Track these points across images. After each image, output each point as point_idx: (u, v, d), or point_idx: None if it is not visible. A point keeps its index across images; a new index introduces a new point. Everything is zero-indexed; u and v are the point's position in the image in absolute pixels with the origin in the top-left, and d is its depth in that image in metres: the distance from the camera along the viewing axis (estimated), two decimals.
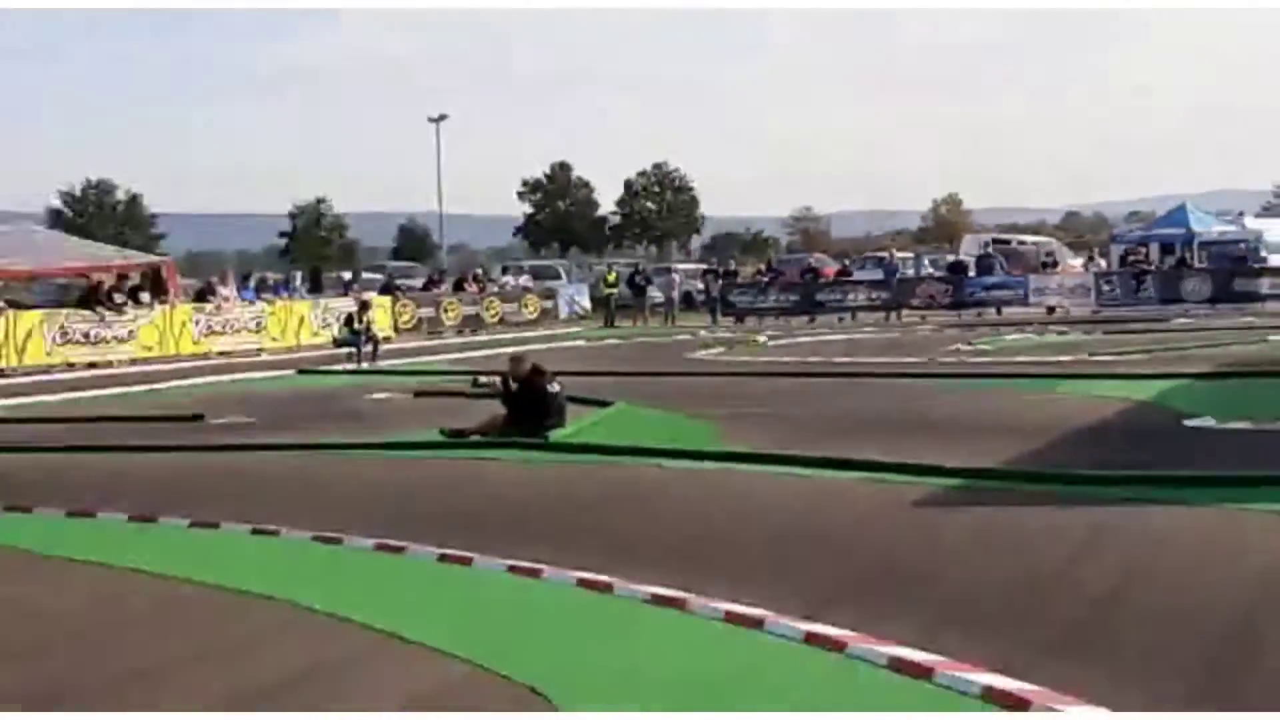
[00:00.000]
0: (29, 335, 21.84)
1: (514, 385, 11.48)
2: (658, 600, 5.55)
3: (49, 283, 26.89)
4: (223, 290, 27.16)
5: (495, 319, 32.29)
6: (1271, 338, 21.07)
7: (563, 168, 73.31)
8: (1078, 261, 37.14)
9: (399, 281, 35.46)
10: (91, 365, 22.41)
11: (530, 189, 71.83)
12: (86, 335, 22.87)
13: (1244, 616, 5.23)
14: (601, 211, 73.71)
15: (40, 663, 5.07)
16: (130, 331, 23.64)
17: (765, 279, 35.86)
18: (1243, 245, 33.69)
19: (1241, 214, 41.55)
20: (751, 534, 7.29)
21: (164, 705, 4.39)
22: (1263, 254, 32.76)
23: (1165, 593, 5.69)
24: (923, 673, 4.33)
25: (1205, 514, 7.28)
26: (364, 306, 22.64)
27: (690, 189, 73.82)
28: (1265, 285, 29.92)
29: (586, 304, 37.28)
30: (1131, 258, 34.42)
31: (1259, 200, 60.24)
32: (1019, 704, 3.98)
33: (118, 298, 23.98)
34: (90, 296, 23.69)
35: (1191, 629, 5.05)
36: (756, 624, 5.11)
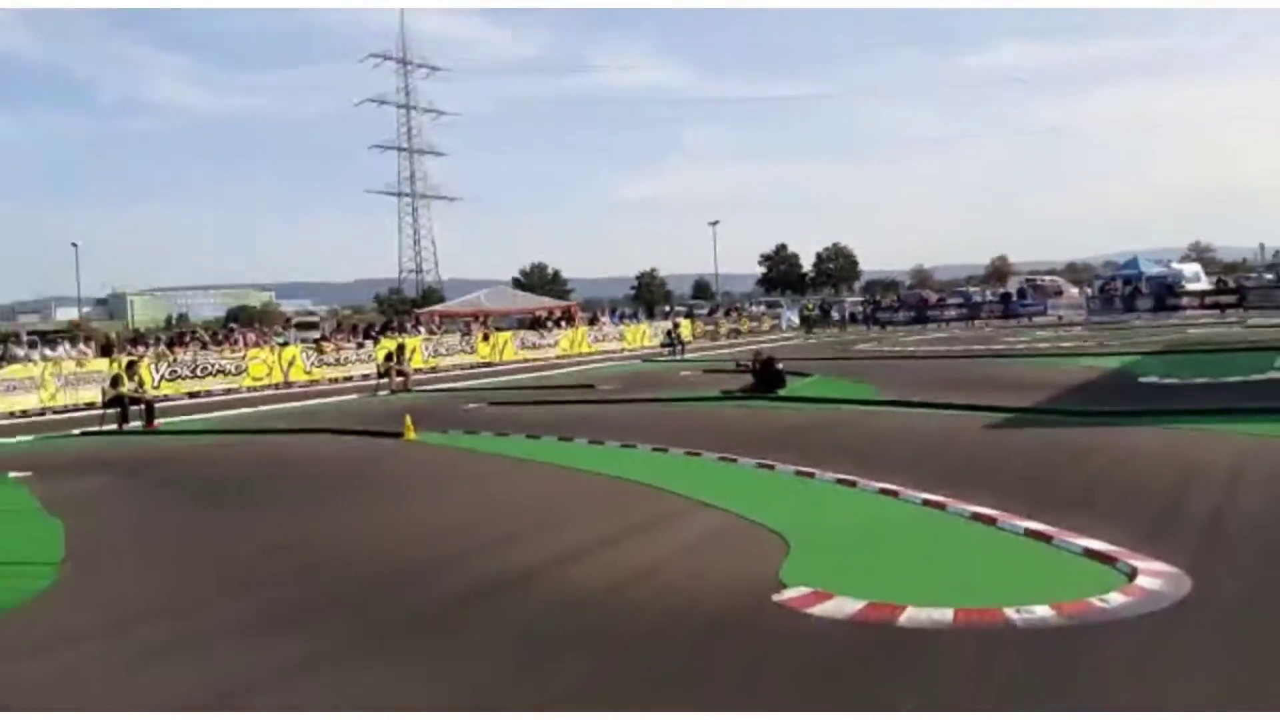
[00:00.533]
0: (505, 345, 37.91)
1: (757, 366, 19.39)
2: (841, 482, 9.34)
3: (513, 318, 46.25)
4: (602, 319, 47.92)
5: (746, 330, 53.57)
6: (1189, 330, 33.74)
7: (781, 247, 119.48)
8: (1075, 290, 59.20)
9: (694, 311, 59.35)
10: (535, 360, 37.13)
11: (765, 259, 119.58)
12: (534, 344, 39.19)
13: (1179, 485, 8.62)
14: (804, 269, 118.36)
15: (526, 514, 9.09)
16: (554, 342, 40.29)
17: (897, 305, 60.01)
18: (1169, 279, 53.96)
19: (1169, 262, 63.39)
20: (895, 445, 11.71)
21: (567, 538, 7.85)
22: (1182, 284, 52.76)
23: (1131, 473, 9.34)
24: (990, 520, 7.61)
25: (1153, 431, 11.71)
26: (676, 325, 41.48)
27: (854, 256, 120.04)
28: (1183, 301, 49.51)
29: (796, 321, 58.22)
30: (1107, 288, 55.60)
31: (1179, 252, 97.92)
32: (1042, 536, 7.05)
33: (549, 325, 42.21)
34: (534, 324, 42.36)
35: (1145, 491, 8.40)
36: (894, 494, 8.71)
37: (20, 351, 26.37)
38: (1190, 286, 52.63)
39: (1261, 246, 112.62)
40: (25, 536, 9.03)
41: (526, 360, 36.78)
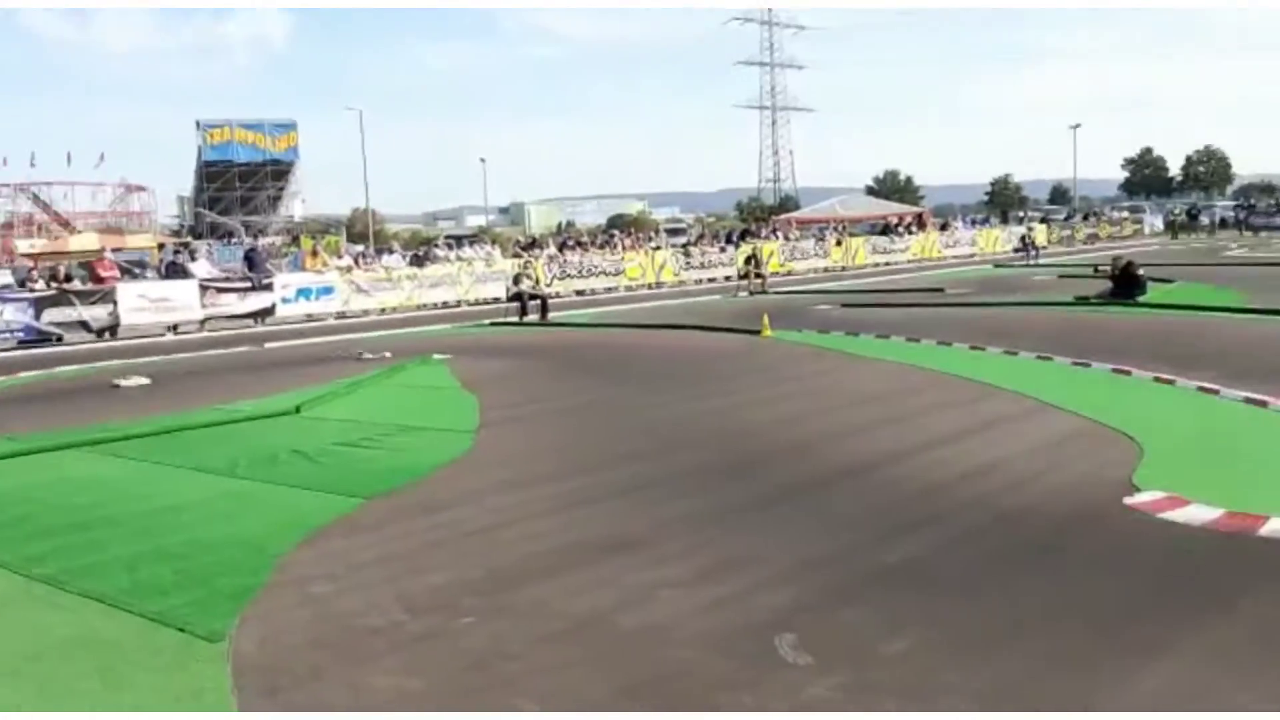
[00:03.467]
0: (857, 250, 36.15)
1: (1116, 271, 17.97)
2: (1202, 389, 8.70)
3: (865, 224, 43.97)
4: (954, 224, 44.32)
5: (1106, 236, 47.56)
6: None
7: (1146, 150, 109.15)
8: None
9: (1050, 217, 54.81)
10: (886, 264, 35.91)
11: (1128, 163, 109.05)
12: (884, 249, 37.09)
13: None
14: (1171, 173, 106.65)
15: (878, 407, 9.09)
16: (906, 247, 37.79)
17: (1275, 209, 52.28)
18: None
19: None
20: (1263, 355, 10.76)
21: (912, 432, 7.72)
22: None
23: None
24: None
25: None
26: (1030, 230, 39.23)
27: (1227, 159, 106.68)
28: None
29: (1160, 226, 53.20)
30: None
31: None
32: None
33: (900, 230, 39.78)
34: (885, 230, 39.97)
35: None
36: (1261, 404, 7.94)
37: (439, 252, 29.09)
38: None
39: None
40: (448, 408, 10.05)
41: (878, 265, 36.03)
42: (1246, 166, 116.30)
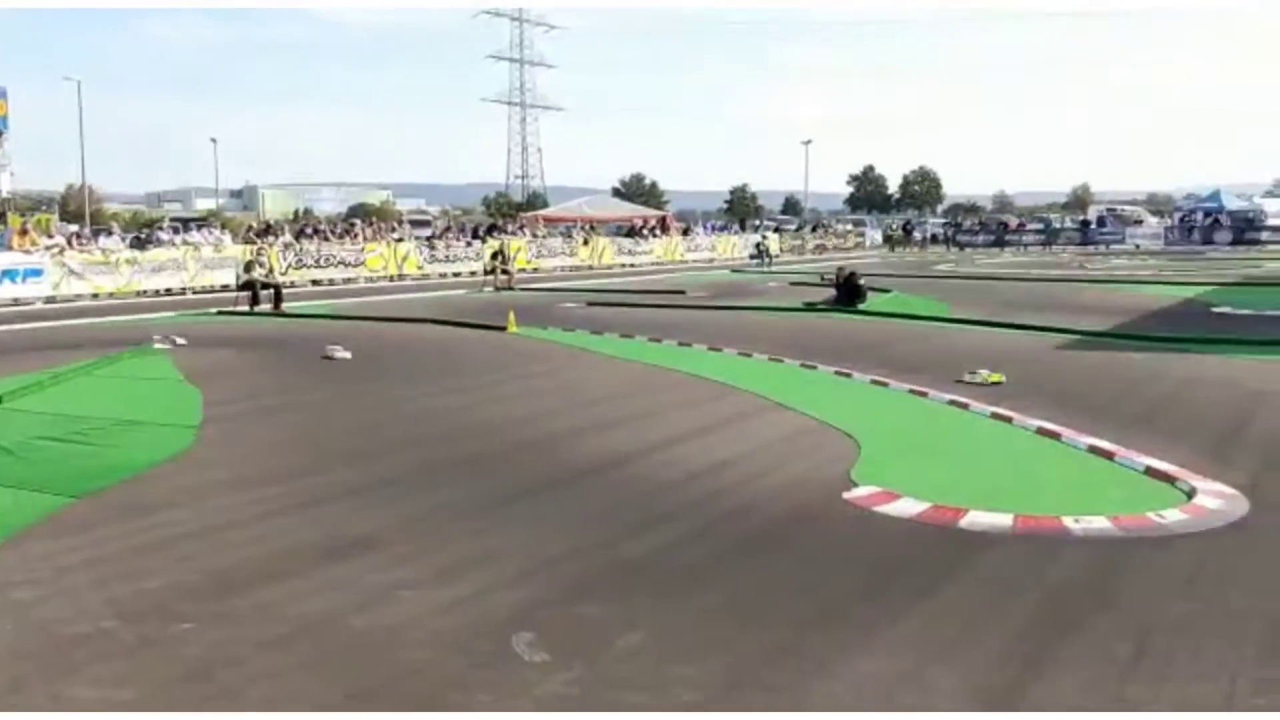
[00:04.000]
0: (603, 250, 37.42)
1: (840, 280, 18.92)
2: (913, 392, 9.33)
3: (611, 225, 45.38)
4: (695, 230, 47.59)
5: (831, 246, 52.14)
6: (1265, 264, 32.55)
7: (869, 168, 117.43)
8: (1155, 220, 58.44)
9: (783, 226, 60.12)
10: (630, 265, 37.11)
11: (853, 179, 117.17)
12: (630, 250, 38.66)
13: (1241, 412, 8.42)
14: (890, 191, 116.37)
15: (618, 406, 9.27)
16: (650, 249, 39.46)
17: (977, 228, 58.93)
18: (1250, 214, 52.59)
19: (1252, 197, 62.31)
20: (962, 358, 11.23)
21: (652, 430, 7.96)
22: (1263, 219, 51.44)
23: (1196, 398, 9.19)
24: (1053, 435, 7.50)
25: (1222, 360, 11.53)
26: (765, 238, 41.33)
27: (938, 180, 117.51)
28: (1263, 235, 48.81)
29: (879, 239, 58.06)
30: (1186, 219, 53.63)
31: (1263, 187, 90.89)
32: (1105, 453, 6.90)
33: (645, 233, 41.28)
34: (631, 231, 41.87)
35: (1209, 416, 8.23)
36: (963, 406, 8.64)
37: (164, 236, 27.23)
38: (1273, 221, 51.18)
39: None
40: (168, 401, 9.42)
41: (624, 266, 36.83)
42: (955, 187, 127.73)
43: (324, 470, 6.71)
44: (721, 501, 5.90)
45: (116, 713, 3.33)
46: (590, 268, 35.25)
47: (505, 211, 75.72)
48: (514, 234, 35.86)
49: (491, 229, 37.18)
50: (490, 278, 25.93)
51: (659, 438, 7.64)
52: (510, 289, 24.98)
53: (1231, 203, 55.19)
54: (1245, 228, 49.59)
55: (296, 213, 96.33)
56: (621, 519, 5.57)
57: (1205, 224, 51.39)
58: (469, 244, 32.64)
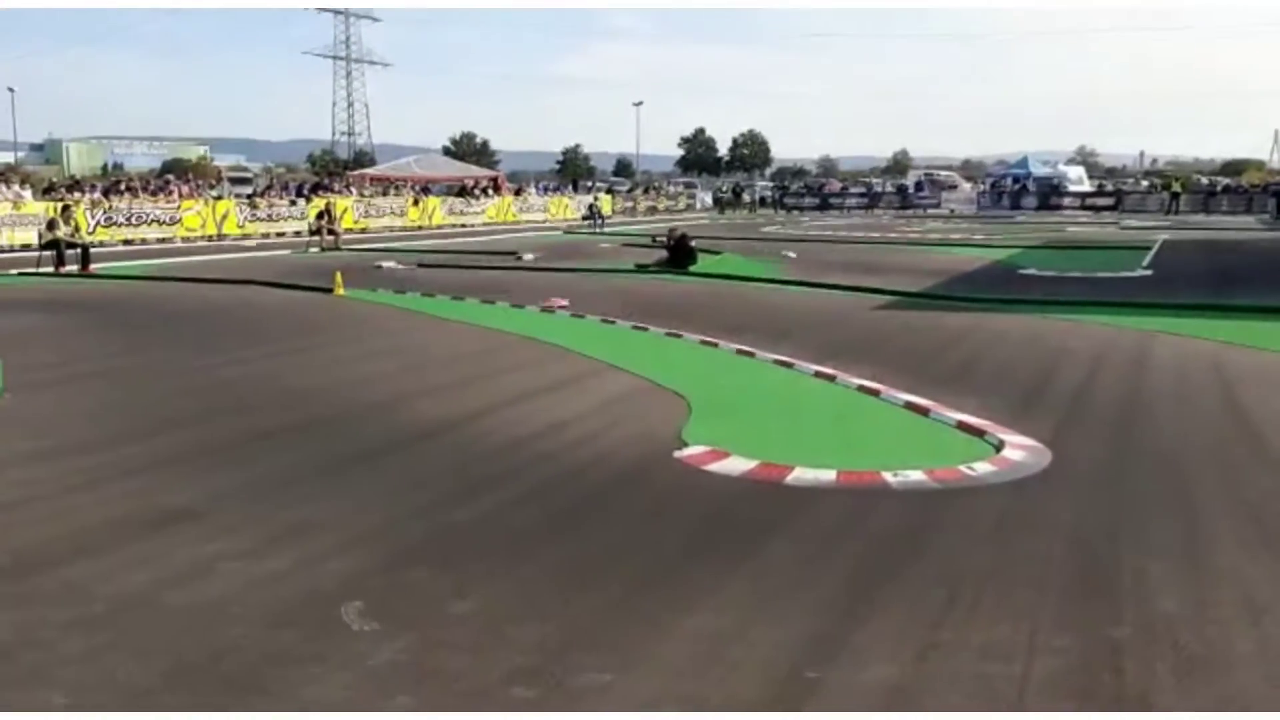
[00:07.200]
0: (434, 210, 37.31)
1: (672, 242, 19.16)
2: (740, 352, 9.52)
3: (442, 185, 44.80)
4: (528, 190, 47.20)
5: (663, 208, 53.17)
6: (1068, 228, 34.85)
7: (700, 131, 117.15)
8: (968, 186, 61.69)
9: (615, 188, 59.89)
10: (462, 226, 36.94)
11: (684, 142, 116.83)
12: (461, 210, 38.56)
13: (1044, 369, 8.89)
14: (720, 154, 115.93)
15: (450, 369, 9.13)
16: (482, 210, 39.55)
17: (804, 191, 63.50)
18: (1055, 180, 56.33)
19: (1056, 164, 65.56)
20: (787, 318, 11.96)
21: (485, 393, 7.93)
22: (1066, 185, 55.46)
23: (1004, 355, 9.69)
24: (873, 393, 7.82)
25: (1027, 319, 12.04)
26: (597, 200, 41.45)
27: (766, 143, 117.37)
28: (1065, 201, 51.71)
29: (710, 202, 59.79)
30: (997, 185, 57.09)
31: (1066, 155, 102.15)
32: (920, 409, 7.25)
33: (476, 193, 41.19)
34: (462, 191, 41.72)
35: (1016, 373, 8.69)
36: (788, 365, 8.89)
37: None
38: (1073, 188, 55.26)
39: (1141, 154, 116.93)
40: None
41: (456, 226, 36.23)
42: (783, 151, 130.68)
43: (140, 439, 6.39)
44: (554, 463, 5.90)
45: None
46: (421, 228, 34.56)
47: (331, 170, 73.30)
48: (340, 193, 34.77)
49: (317, 187, 35.92)
50: (316, 238, 25.09)
51: (493, 400, 7.58)
52: (337, 249, 24.24)
53: (1038, 169, 58.74)
54: (1050, 193, 52.81)
55: (105, 168, 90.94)
56: (453, 483, 5.51)
57: (1014, 189, 54.45)
58: (293, 203, 31.47)
